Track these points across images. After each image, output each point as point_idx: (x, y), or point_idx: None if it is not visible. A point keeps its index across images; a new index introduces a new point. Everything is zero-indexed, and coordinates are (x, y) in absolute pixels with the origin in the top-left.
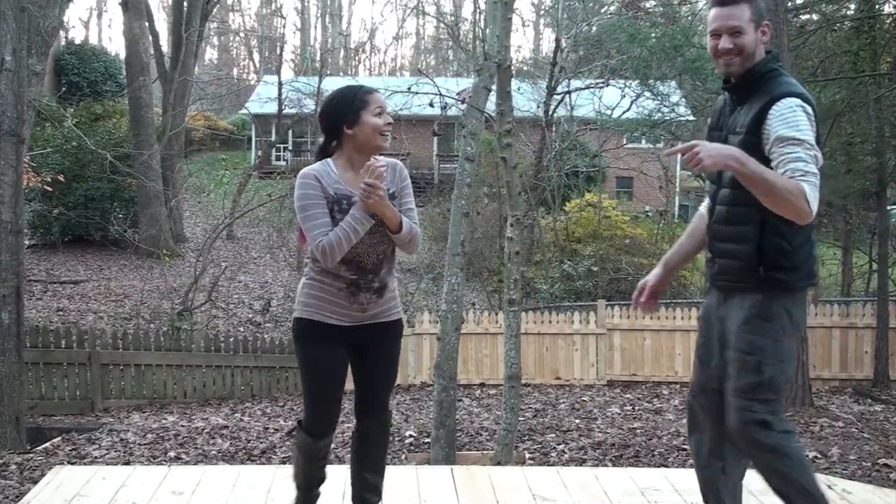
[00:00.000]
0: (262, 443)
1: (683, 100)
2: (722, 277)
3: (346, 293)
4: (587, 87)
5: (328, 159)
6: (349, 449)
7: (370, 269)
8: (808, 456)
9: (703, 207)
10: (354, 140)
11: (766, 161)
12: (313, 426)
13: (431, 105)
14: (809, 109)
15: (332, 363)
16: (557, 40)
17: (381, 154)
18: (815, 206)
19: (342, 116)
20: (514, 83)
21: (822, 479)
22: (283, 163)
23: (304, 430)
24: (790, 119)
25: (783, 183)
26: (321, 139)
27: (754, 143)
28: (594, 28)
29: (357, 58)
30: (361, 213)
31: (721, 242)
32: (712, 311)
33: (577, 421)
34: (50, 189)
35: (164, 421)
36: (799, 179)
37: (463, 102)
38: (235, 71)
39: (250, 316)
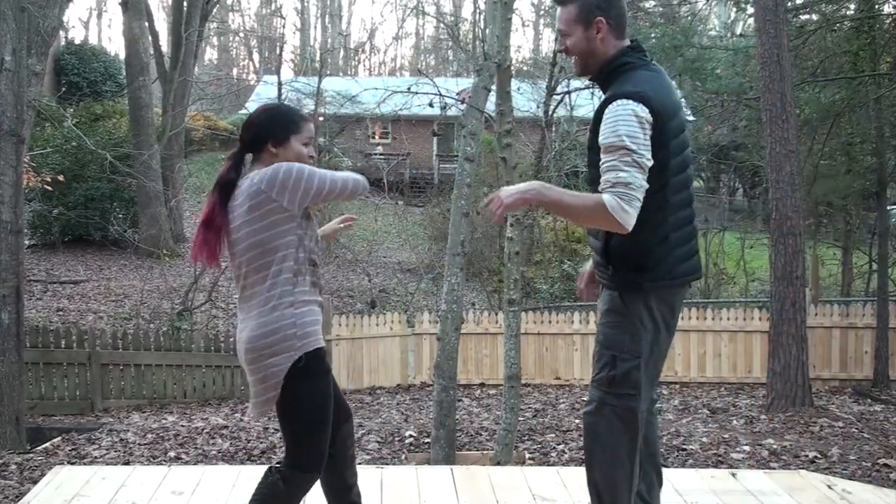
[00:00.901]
0: (262, 443)
1: (683, 100)
2: (598, 272)
3: (319, 307)
4: (587, 87)
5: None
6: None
7: (318, 266)
8: (807, 455)
9: None
10: (275, 160)
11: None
12: (319, 463)
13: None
14: (641, 108)
15: (331, 389)
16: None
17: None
18: (626, 214)
19: (272, 132)
20: (514, 83)
21: (822, 479)
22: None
23: (310, 470)
24: (612, 123)
25: (582, 203)
26: (236, 148)
27: (594, 141)
28: None
29: (357, 58)
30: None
31: (591, 237)
32: (603, 308)
33: (577, 421)
34: (50, 189)
35: (164, 421)
36: (608, 191)
37: (463, 102)
38: (235, 71)
39: None
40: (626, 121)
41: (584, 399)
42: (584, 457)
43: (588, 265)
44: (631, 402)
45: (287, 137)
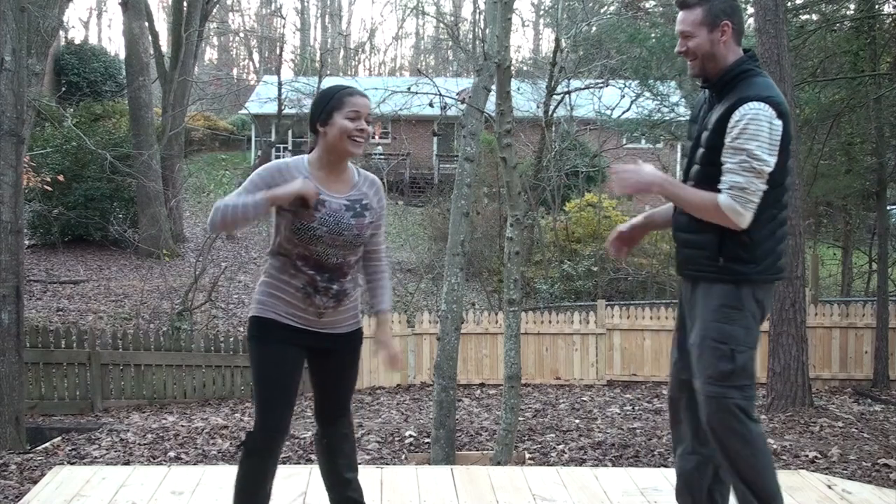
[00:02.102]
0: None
1: (683, 100)
2: (687, 267)
3: (303, 294)
4: (587, 87)
5: (304, 156)
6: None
7: (329, 269)
8: (807, 455)
9: None
10: (325, 140)
11: None
12: (268, 423)
13: (431, 105)
14: (772, 113)
15: (286, 364)
16: (557, 40)
17: (355, 163)
18: (740, 215)
19: (317, 113)
20: (514, 83)
21: (822, 479)
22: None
23: (259, 429)
24: (742, 125)
25: (700, 200)
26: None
27: (716, 141)
28: (594, 28)
29: (357, 58)
30: (264, 200)
31: (683, 233)
32: (685, 300)
33: (576, 421)
34: (50, 189)
35: (164, 421)
36: (725, 192)
37: (463, 102)
38: (235, 71)
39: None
40: (756, 124)
41: (584, 399)
42: (727, 460)
43: (627, 224)
44: (750, 392)
45: (330, 115)
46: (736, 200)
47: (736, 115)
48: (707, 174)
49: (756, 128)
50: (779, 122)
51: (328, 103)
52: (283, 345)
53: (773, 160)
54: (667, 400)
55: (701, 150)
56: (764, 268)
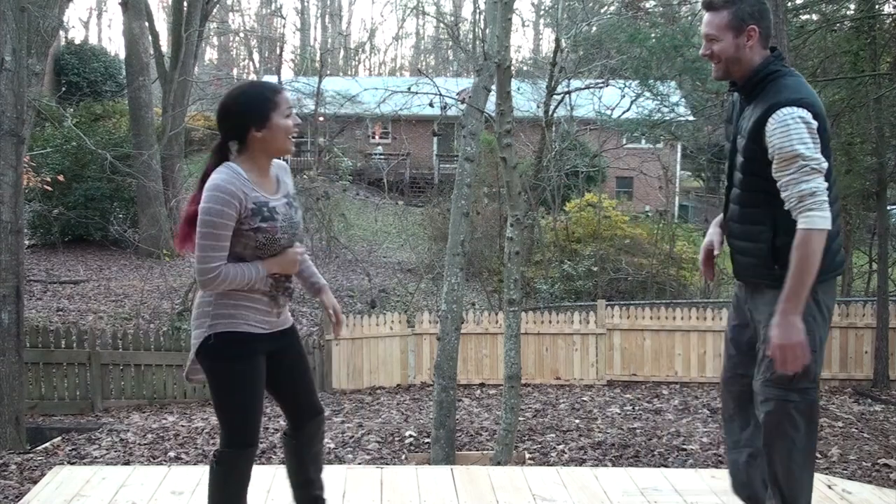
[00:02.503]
0: (261, 443)
1: (683, 100)
2: (743, 273)
3: (269, 298)
4: (587, 87)
5: (232, 164)
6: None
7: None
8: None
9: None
10: (263, 142)
11: (768, 164)
12: (242, 439)
13: (431, 105)
14: (807, 114)
15: (261, 378)
16: (557, 40)
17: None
18: (825, 219)
19: (250, 117)
20: (514, 83)
21: (822, 479)
22: (284, 162)
23: (234, 446)
24: (782, 133)
25: (805, 262)
26: (217, 140)
27: (755, 150)
28: (594, 28)
29: (357, 58)
30: (266, 273)
31: (737, 240)
32: (742, 303)
33: (576, 421)
34: (50, 189)
35: (164, 421)
36: (798, 210)
37: (463, 102)
38: (235, 71)
39: None
40: (797, 129)
41: (584, 399)
42: (768, 458)
43: (707, 238)
44: (812, 396)
45: (267, 117)
46: (812, 209)
47: (772, 123)
48: (749, 183)
49: (797, 131)
50: (815, 123)
51: (262, 105)
52: (257, 357)
53: (823, 156)
54: (721, 393)
55: (740, 159)
56: (825, 267)
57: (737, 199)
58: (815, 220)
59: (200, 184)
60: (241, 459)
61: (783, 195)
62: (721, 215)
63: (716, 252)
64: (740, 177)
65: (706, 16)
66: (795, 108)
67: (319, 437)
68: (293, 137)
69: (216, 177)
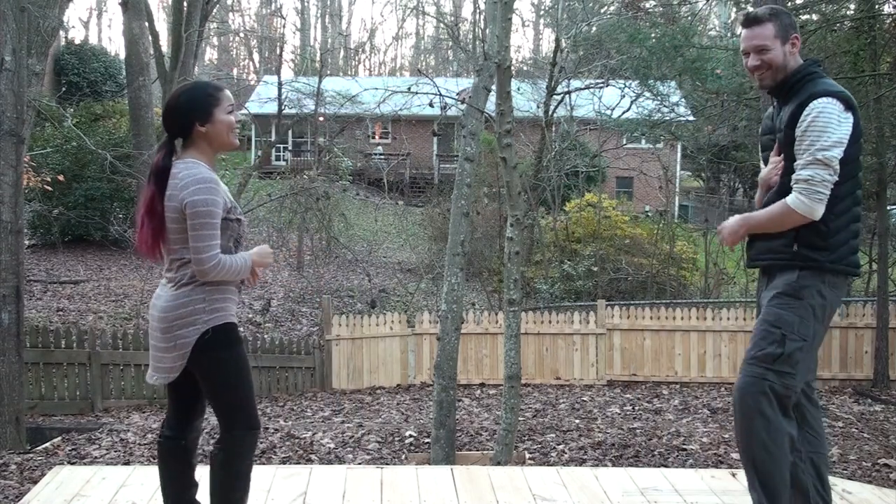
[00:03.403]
0: (261, 443)
1: (683, 100)
2: (760, 257)
3: (236, 289)
4: (587, 87)
5: (191, 160)
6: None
7: None
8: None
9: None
10: (207, 137)
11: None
12: (257, 418)
13: (431, 105)
14: (841, 105)
15: (245, 355)
16: (557, 40)
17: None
18: (809, 207)
19: (194, 114)
20: (514, 83)
21: None
22: (283, 163)
23: (255, 427)
24: (811, 120)
25: (776, 216)
26: (164, 138)
27: (792, 136)
28: (594, 28)
29: (357, 58)
30: (251, 264)
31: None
32: (762, 295)
33: (576, 421)
34: (50, 189)
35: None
36: (793, 188)
37: (463, 102)
38: (235, 71)
39: (250, 316)
40: (825, 117)
41: (584, 399)
42: (740, 435)
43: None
44: (790, 381)
45: (210, 112)
46: (803, 194)
47: (808, 110)
48: (788, 169)
49: (825, 121)
50: (848, 115)
51: (205, 101)
52: (241, 344)
53: (839, 151)
54: None
55: (785, 149)
56: (837, 257)
57: (777, 187)
58: (798, 202)
59: (154, 180)
60: (257, 440)
61: (794, 172)
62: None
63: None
64: (783, 165)
65: (750, 30)
66: (831, 99)
67: (197, 439)
68: (236, 131)
69: (197, 170)
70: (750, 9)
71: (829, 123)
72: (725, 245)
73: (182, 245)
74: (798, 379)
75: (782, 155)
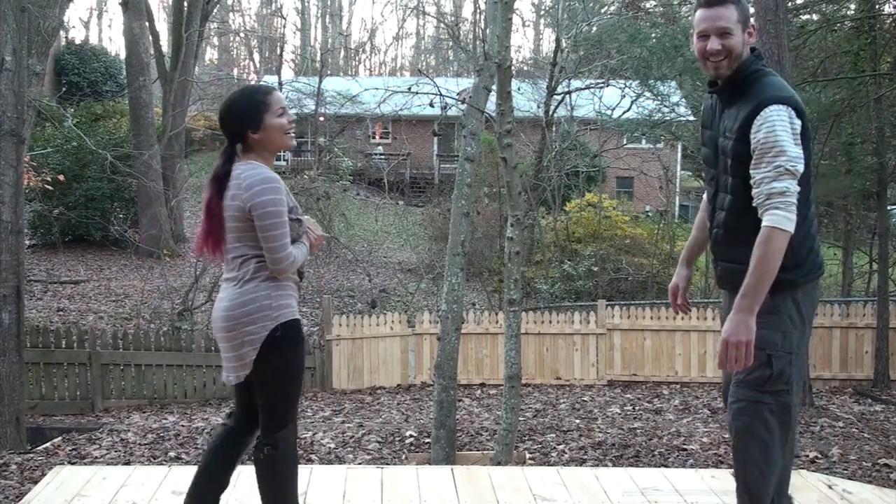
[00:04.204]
0: None
1: (683, 100)
2: (727, 281)
3: (296, 286)
4: (587, 87)
5: (252, 163)
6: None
7: None
8: (807, 455)
9: (706, 196)
10: (261, 143)
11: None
12: (294, 419)
13: (431, 105)
14: (793, 113)
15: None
16: (557, 40)
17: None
18: (790, 222)
19: (245, 122)
20: (515, 83)
21: (822, 479)
22: (284, 163)
23: (295, 420)
24: (766, 130)
25: (766, 258)
26: (225, 143)
27: (743, 150)
28: (594, 28)
29: (357, 58)
30: (308, 251)
31: (723, 246)
32: (726, 309)
33: (577, 421)
34: (50, 189)
35: (164, 421)
36: (765, 208)
37: (463, 102)
38: (236, 71)
39: None
40: (782, 126)
41: (584, 399)
42: (736, 460)
43: (676, 277)
44: (786, 398)
45: (261, 119)
46: (778, 209)
47: (758, 120)
48: (738, 186)
49: (782, 128)
50: (798, 122)
51: (254, 109)
52: (303, 344)
53: (802, 159)
54: (722, 399)
55: (728, 161)
56: (807, 269)
57: (725, 204)
58: (780, 219)
59: (214, 183)
60: (295, 433)
61: (753, 191)
62: (686, 251)
63: (679, 300)
64: (728, 180)
65: (712, 10)
66: (783, 107)
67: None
68: (290, 134)
69: (259, 170)
70: None
71: (785, 132)
72: (737, 368)
73: (243, 242)
74: (795, 390)
75: (723, 163)
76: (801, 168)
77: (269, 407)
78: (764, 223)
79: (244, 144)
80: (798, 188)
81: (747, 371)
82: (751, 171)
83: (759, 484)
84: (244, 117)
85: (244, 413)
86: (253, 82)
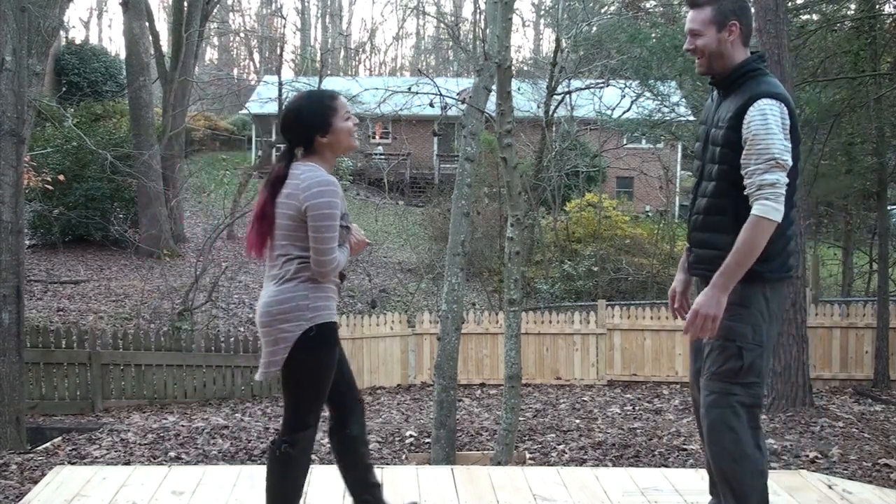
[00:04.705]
0: (262, 442)
1: (683, 100)
2: (699, 266)
3: (337, 288)
4: (587, 87)
5: (312, 164)
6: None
7: None
8: (807, 455)
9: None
10: (329, 146)
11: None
12: (315, 428)
13: (431, 105)
14: (783, 109)
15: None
16: (557, 40)
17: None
18: (777, 212)
19: (315, 127)
20: (515, 83)
21: (822, 479)
22: None
23: (314, 425)
24: (757, 124)
25: (749, 243)
26: (285, 147)
27: (734, 138)
28: (594, 28)
29: (357, 58)
30: (349, 254)
31: (700, 232)
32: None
33: (577, 421)
34: (50, 189)
35: (164, 421)
36: (755, 198)
37: (463, 102)
38: (236, 71)
39: (250, 316)
40: (775, 120)
41: (584, 399)
42: (711, 452)
43: (675, 283)
44: (757, 390)
45: (330, 123)
46: (768, 199)
47: (752, 112)
48: (722, 173)
49: (775, 122)
50: (789, 121)
51: (323, 113)
52: (337, 347)
53: (790, 154)
54: (692, 401)
55: (717, 149)
56: (777, 265)
57: (709, 191)
58: (769, 209)
59: (270, 186)
60: (311, 439)
61: (745, 181)
62: (684, 257)
63: (677, 305)
64: (714, 168)
65: (690, 13)
66: (773, 102)
67: (364, 422)
68: (354, 136)
69: (319, 172)
70: None
71: (776, 126)
72: (713, 336)
73: (290, 242)
74: (762, 384)
75: (710, 153)
76: (790, 161)
77: (294, 406)
78: (753, 211)
79: (308, 148)
80: (787, 180)
81: (718, 364)
82: (742, 162)
83: (735, 472)
84: (314, 122)
85: (332, 406)
86: (253, 82)
